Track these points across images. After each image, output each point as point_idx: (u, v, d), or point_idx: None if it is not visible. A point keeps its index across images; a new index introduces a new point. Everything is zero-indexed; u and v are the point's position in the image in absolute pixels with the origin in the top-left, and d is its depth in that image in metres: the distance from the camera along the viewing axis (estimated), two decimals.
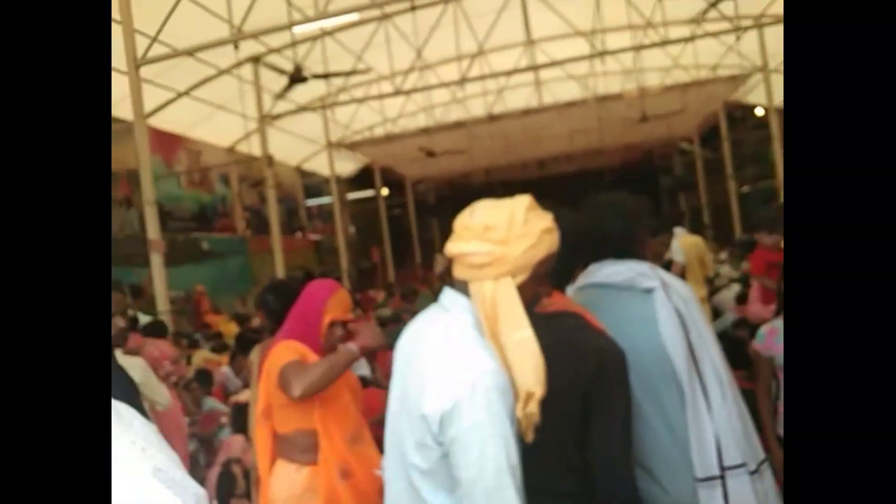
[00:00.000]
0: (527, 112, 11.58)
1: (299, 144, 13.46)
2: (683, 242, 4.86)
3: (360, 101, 10.92)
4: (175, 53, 7.25)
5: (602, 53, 9.17)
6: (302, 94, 10.80)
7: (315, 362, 1.86)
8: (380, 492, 1.74)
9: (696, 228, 15.11)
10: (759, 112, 11.94)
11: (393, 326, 7.08)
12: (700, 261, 5.00)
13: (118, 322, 2.09)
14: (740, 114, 12.87)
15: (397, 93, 10.04)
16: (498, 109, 12.05)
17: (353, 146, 12.74)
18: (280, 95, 8.19)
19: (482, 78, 9.94)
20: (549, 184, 19.58)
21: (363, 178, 16.61)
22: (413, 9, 8.48)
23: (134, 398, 2.04)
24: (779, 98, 10.75)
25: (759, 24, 9.23)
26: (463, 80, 9.70)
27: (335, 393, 1.92)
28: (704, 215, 15.92)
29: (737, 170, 14.29)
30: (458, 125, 11.83)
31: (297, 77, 7.77)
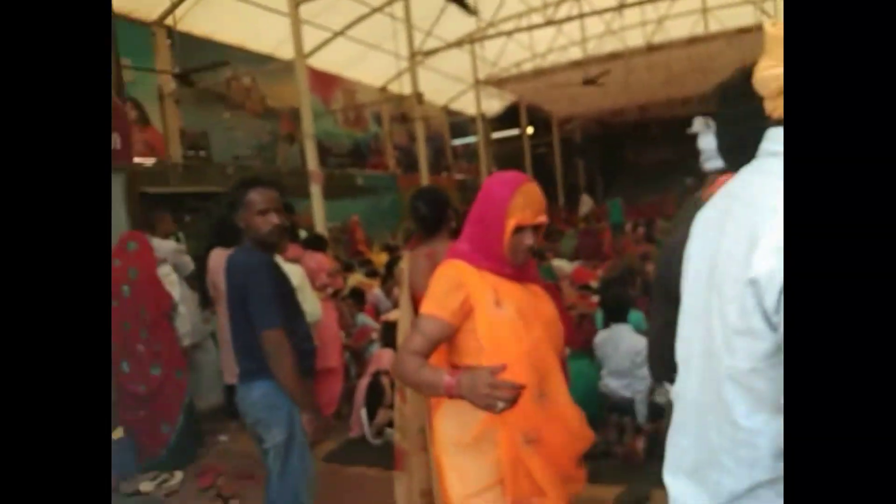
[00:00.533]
0: (692, 41, 10.55)
1: (447, 84, 13.53)
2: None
3: (509, 33, 10.62)
4: None
5: None
6: (450, 31, 10.77)
7: (414, 366, 1.48)
8: (573, 458, 1.59)
9: None
10: None
11: (540, 262, 7.12)
12: None
13: (272, 219, 2.19)
14: None
15: (549, 23, 9.62)
16: (658, 39, 11.11)
17: (500, 83, 12.53)
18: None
19: (641, 3, 9.17)
20: (716, 120, 17.95)
21: (509, 117, 16.38)
22: None
23: (291, 300, 2.21)
24: None
25: None
26: (621, 6, 9.03)
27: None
28: None
29: None
30: (614, 56, 11.11)
31: None
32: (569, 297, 5.19)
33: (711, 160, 1.91)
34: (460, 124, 16.32)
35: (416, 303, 2.19)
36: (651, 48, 10.88)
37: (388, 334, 3.93)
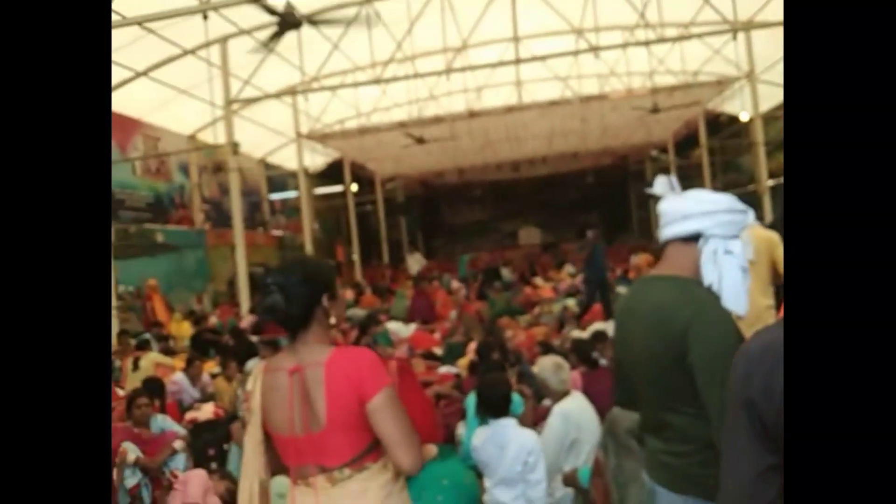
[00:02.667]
0: (509, 109, 11.18)
1: (264, 136, 12.77)
2: (754, 236, 4.26)
3: (334, 89, 10.33)
4: (126, 22, 6.55)
5: (592, 49, 8.83)
6: (270, 82, 10.18)
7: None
8: None
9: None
10: (745, 118, 11.86)
11: (374, 329, 6.59)
12: (771, 260, 4.33)
13: None
14: (724, 119, 12.77)
15: (377, 81, 9.49)
16: (478, 107, 11.62)
17: (324, 138, 12.10)
18: (268, 45, 7.01)
19: (466, 70, 9.49)
20: (524, 186, 19.42)
21: (332, 173, 15.96)
22: None
23: None
24: (763, 105, 10.66)
25: (749, 26, 9.05)
26: (448, 71, 9.23)
27: None
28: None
29: (712, 177, 14.24)
30: (438, 120, 11.33)
31: (288, 20, 6.64)
32: (415, 372, 4.77)
33: (671, 225, 1.64)
34: (279, 178, 15.50)
35: (272, 440, 1.60)
36: (471, 114, 11.30)
37: (200, 442, 3.05)
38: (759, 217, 5.12)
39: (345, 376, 1.49)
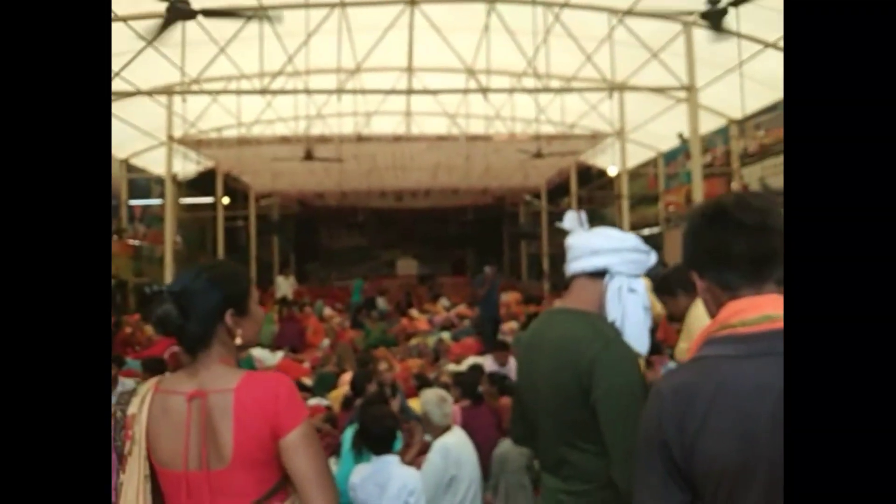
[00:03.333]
0: (397, 138, 11.22)
1: (131, 136, 11.74)
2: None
3: (215, 94, 9.76)
4: None
5: (482, 90, 9.15)
6: (143, 77, 9.42)
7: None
8: None
9: (537, 275, 15.72)
10: (612, 172, 12.83)
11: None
12: None
13: None
14: (594, 171, 13.74)
15: (263, 92, 9.11)
16: (367, 132, 11.54)
17: (198, 145, 11.35)
18: (157, 36, 6.34)
19: (357, 93, 9.41)
20: (406, 216, 19.50)
21: (199, 183, 14.96)
22: (296, 6, 7.76)
23: None
24: (630, 161, 11.60)
25: (623, 87, 9.87)
26: (339, 91, 9.08)
27: None
28: (543, 262, 16.70)
29: None
30: (325, 139, 11.08)
31: (178, 9, 6.00)
32: None
33: (579, 259, 1.65)
34: (142, 183, 14.28)
35: (160, 476, 1.34)
36: (360, 138, 11.20)
37: None
38: None
39: (258, 406, 1.31)
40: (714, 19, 5.52)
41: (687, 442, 0.97)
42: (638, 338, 1.58)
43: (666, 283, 3.59)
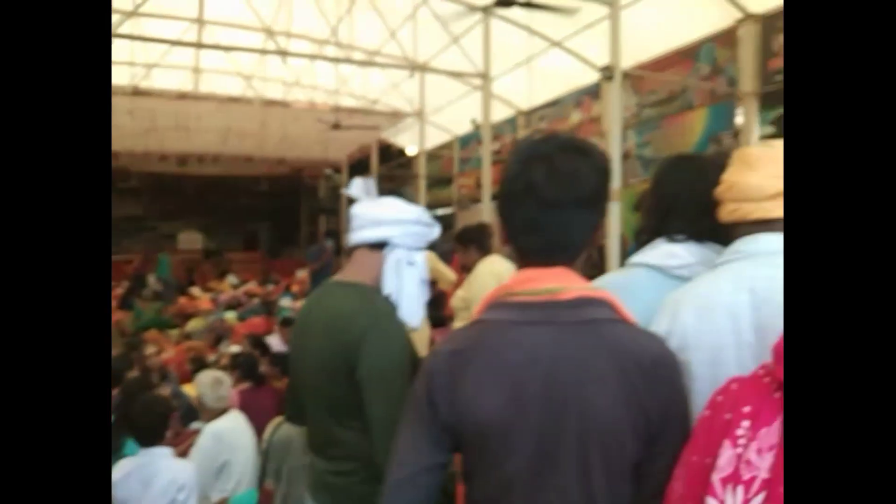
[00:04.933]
0: (183, 95, 10.11)
1: None
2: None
3: None
4: None
5: (281, 52, 8.63)
6: None
7: None
8: None
9: (336, 250, 15.60)
10: (412, 151, 13.06)
11: None
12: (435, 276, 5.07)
13: None
14: (394, 150, 13.87)
15: None
16: (145, 85, 10.21)
17: None
18: None
19: (134, 39, 8.25)
20: (190, 184, 17.74)
21: None
22: None
23: None
24: (428, 143, 11.92)
25: (424, 69, 10.06)
26: (113, 35, 7.85)
27: None
28: (342, 239, 16.58)
29: None
30: None
31: None
32: None
33: (361, 230, 1.57)
34: None
35: None
36: (136, 92, 9.89)
37: None
38: None
39: None
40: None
41: (456, 401, 0.99)
42: (412, 312, 1.57)
43: (462, 235, 4.01)
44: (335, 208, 17.23)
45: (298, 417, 1.73)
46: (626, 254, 6.06)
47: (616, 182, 6.87)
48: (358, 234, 1.59)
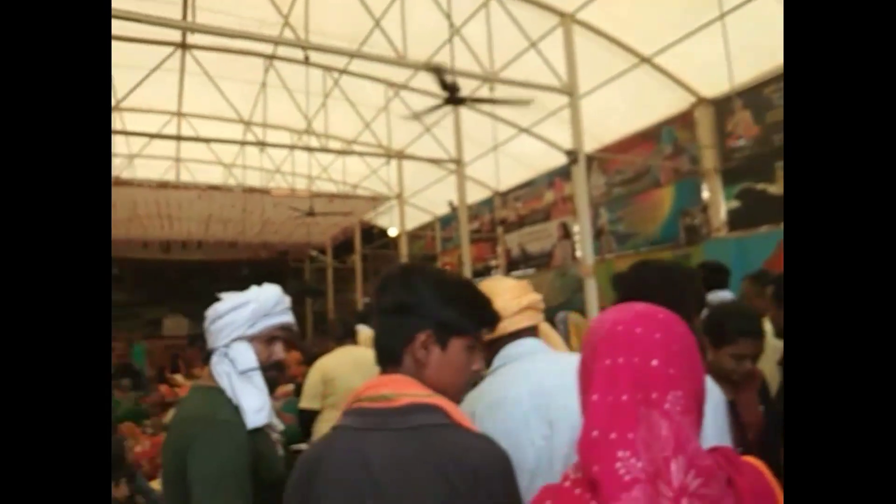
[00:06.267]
0: (164, 185, 10.32)
1: None
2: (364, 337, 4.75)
3: None
4: None
5: (259, 143, 8.90)
6: None
7: None
8: None
9: (323, 331, 15.42)
10: (393, 233, 13.23)
11: None
12: None
13: None
14: (377, 231, 14.04)
15: None
16: (127, 175, 10.45)
17: None
18: None
19: (116, 133, 8.52)
20: (174, 270, 17.79)
21: None
22: None
23: None
24: (408, 224, 12.11)
25: (401, 156, 10.37)
26: None
27: None
28: (329, 320, 16.44)
29: (364, 281, 15.36)
30: None
31: None
32: None
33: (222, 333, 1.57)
34: None
35: None
36: (119, 182, 10.08)
37: None
38: None
39: None
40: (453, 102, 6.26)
41: None
42: (251, 410, 1.50)
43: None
44: (322, 289, 17.22)
45: None
46: None
47: (590, 258, 6.97)
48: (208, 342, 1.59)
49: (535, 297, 1.49)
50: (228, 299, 1.57)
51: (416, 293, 1.11)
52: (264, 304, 1.56)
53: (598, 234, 9.03)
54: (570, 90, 6.73)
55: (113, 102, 8.44)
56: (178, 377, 11.65)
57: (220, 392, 1.51)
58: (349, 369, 3.65)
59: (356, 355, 3.80)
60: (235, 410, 1.48)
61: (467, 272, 9.21)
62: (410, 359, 1.10)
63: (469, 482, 0.96)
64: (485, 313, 1.17)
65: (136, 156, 10.12)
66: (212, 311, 1.57)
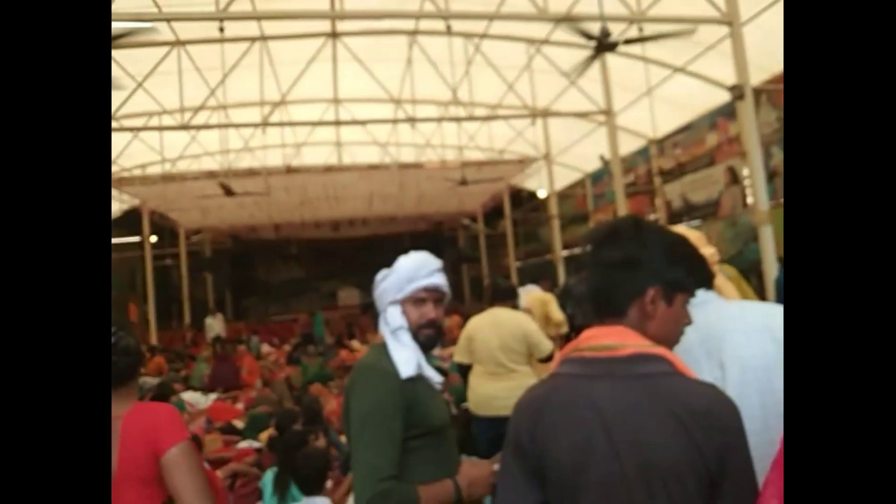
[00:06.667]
0: (328, 169, 11.16)
1: None
2: (530, 297, 4.87)
3: (136, 131, 9.48)
4: None
5: (409, 120, 9.24)
6: None
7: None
8: None
9: (479, 297, 15.91)
10: (542, 194, 13.13)
11: (169, 400, 5.82)
12: (545, 315, 4.95)
13: None
14: (525, 194, 14.02)
15: (185, 127, 8.91)
16: (296, 163, 11.44)
17: (121, 183, 10.96)
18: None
19: (283, 125, 9.35)
20: (344, 246, 19.30)
21: (124, 222, 14.41)
22: (215, 41, 7.69)
23: None
24: (557, 184, 11.91)
25: (546, 114, 10.18)
26: (264, 124, 8.98)
27: None
28: (484, 285, 16.83)
29: (515, 246, 15.46)
30: (252, 173, 10.90)
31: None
32: (211, 448, 4.23)
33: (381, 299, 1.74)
34: None
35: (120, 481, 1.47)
36: (289, 170, 11.08)
37: None
38: (555, 283, 5.72)
39: (140, 428, 1.51)
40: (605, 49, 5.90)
41: (536, 448, 1.10)
42: (401, 364, 1.66)
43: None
44: (476, 256, 17.64)
45: None
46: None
47: (764, 203, 6.39)
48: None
49: (711, 250, 1.50)
50: (383, 271, 1.76)
51: (648, 248, 1.13)
52: (408, 270, 1.71)
53: (771, 176, 8.19)
54: (729, 19, 6.12)
55: (277, 97, 9.24)
56: (355, 343, 12.71)
57: (384, 347, 1.71)
58: (487, 328, 3.88)
59: (496, 316, 3.99)
60: (378, 361, 1.68)
61: None
62: (637, 312, 1.13)
63: (702, 423, 1.00)
64: (704, 272, 1.21)
65: (301, 144, 11.02)
66: (375, 283, 1.76)
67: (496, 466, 1.59)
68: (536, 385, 1.21)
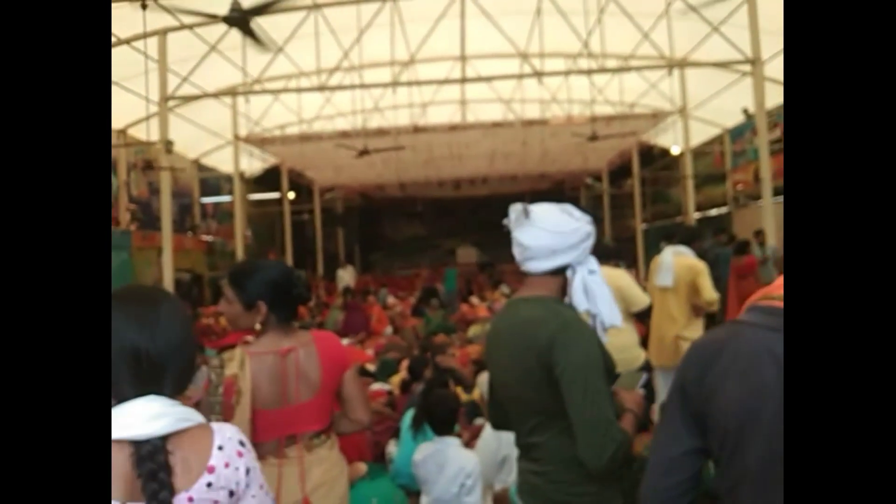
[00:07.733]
0: (453, 127, 11.27)
1: (200, 136, 12.34)
2: (677, 264, 4.40)
3: (276, 93, 10.11)
4: None
5: (536, 74, 9.05)
6: (210, 80, 9.88)
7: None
8: None
9: (600, 259, 15.47)
10: (676, 151, 12.43)
11: None
12: (692, 286, 4.39)
13: None
14: (657, 151, 13.33)
15: (321, 88, 9.37)
16: (422, 123, 11.66)
17: (263, 142, 11.80)
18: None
19: (412, 84, 9.53)
20: (464, 205, 19.61)
21: (268, 179, 15.57)
22: (345, 3, 7.94)
23: None
24: (693, 140, 11.19)
25: (683, 64, 9.53)
26: (394, 84, 9.22)
27: None
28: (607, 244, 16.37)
29: (643, 207, 14.82)
30: (382, 132, 11.27)
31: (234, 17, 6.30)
32: None
33: (538, 260, 1.65)
34: (212, 181, 14.98)
35: (258, 417, 1.77)
36: (416, 129, 11.33)
37: None
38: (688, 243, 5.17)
39: (332, 350, 1.91)
40: None
41: (703, 392, 1.07)
42: (611, 314, 1.66)
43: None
44: (598, 216, 17.16)
45: (501, 424, 1.88)
46: None
47: None
48: (535, 265, 1.65)
49: None
50: (574, 223, 1.72)
51: None
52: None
53: None
54: None
55: (406, 57, 9.42)
56: (474, 299, 12.99)
57: (557, 300, 1.67)
58: None
59: (605, 274, 3.86)
60: (577, 314, 1.66)
61: (766, 191, 8.20)
62: None
63: None
64: None
65: (428, 104, 11.19)
66: (570, 235, 1.68)
67: (641, 391, 1.69)
68: (714, 330, 1.18)
